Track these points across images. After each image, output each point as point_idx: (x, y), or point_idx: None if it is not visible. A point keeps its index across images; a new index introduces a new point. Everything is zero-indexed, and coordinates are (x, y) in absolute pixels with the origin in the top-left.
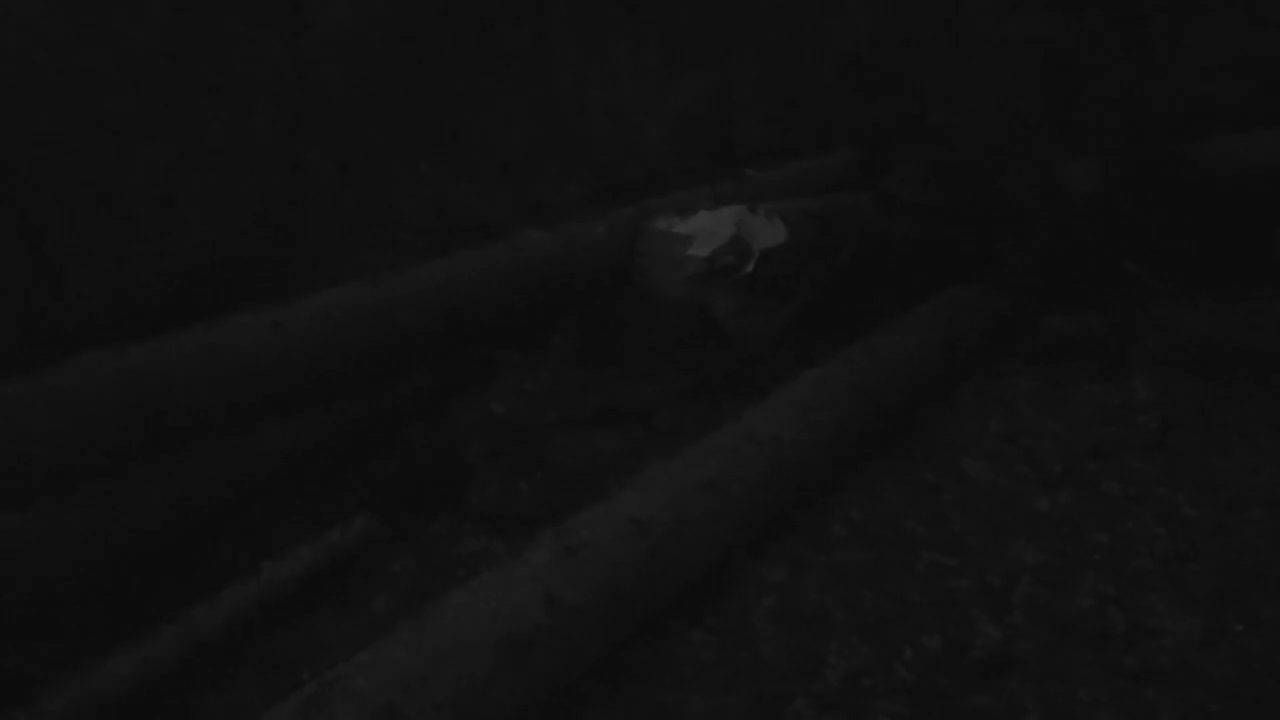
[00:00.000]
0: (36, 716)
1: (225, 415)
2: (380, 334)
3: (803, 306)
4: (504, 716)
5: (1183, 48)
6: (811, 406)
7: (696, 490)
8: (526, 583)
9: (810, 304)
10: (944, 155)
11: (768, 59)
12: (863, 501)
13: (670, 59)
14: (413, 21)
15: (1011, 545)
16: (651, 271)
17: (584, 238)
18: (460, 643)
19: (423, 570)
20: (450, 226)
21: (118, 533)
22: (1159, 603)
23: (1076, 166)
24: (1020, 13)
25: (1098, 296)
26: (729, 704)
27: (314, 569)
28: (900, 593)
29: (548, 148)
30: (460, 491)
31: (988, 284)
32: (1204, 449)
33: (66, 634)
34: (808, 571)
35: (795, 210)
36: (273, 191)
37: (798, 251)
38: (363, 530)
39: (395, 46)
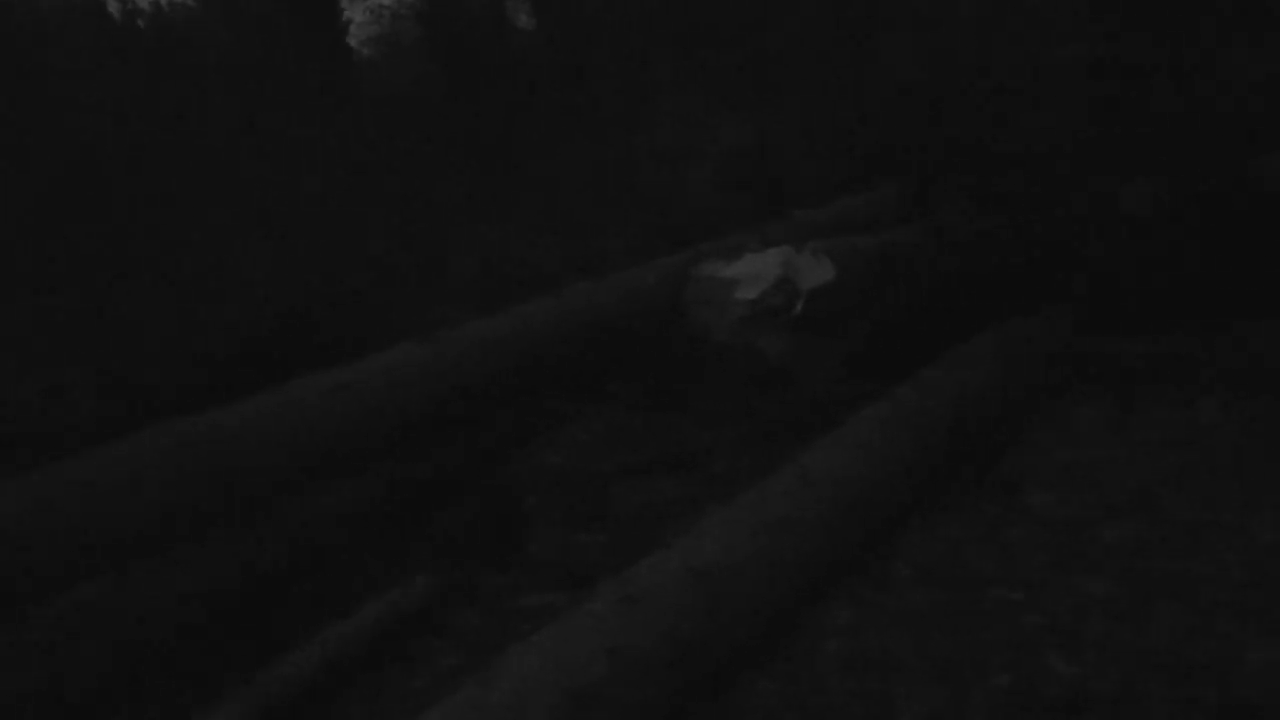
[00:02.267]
0: None
1: (293, 477)
2: (440, 392)
3: (858, 344)
4: None
5: (1235, 65)
6: (869, 445)
7: (755, 535)
8: (587, 635)
9: (866, 342)
10: (996, 183)
11: (813, 96)
12: (926, 539)
13: (715, 101)
14: (464, 83)
15: (1081, 578)
16: (701, 316)
17: (634, 286)
18: (523, 698)
19: (486, 625)
20: (503, 280)
21: (190, 599)
22: (1238, 632)
23: (1132, 188)
24: (1068, 36)
25: (1163, 319)
26: None
27: (379, 629)
28: (968, 631)
29: (597, 198)
30: (521, 544)
31: (1048, 312)
32: None
33: (143, 701)
34: (873, 613)
35: (844, 248)
36: (329, 252)
37: (849, 289)
38: (425, 588)
39: (447, 108)
